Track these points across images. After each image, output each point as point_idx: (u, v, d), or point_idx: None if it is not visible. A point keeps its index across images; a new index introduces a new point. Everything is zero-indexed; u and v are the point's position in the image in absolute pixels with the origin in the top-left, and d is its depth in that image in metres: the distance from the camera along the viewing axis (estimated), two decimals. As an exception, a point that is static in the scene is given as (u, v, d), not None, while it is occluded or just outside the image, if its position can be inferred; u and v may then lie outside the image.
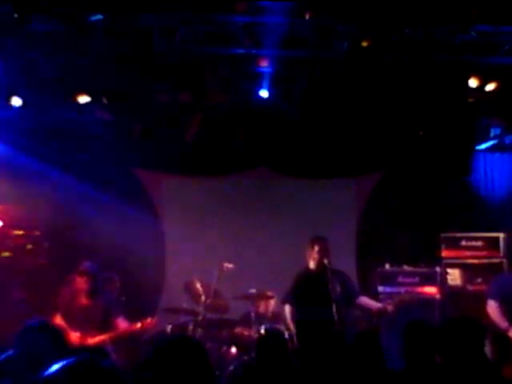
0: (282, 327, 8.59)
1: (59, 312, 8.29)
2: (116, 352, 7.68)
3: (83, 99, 8.44)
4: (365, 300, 8.67)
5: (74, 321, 8.08)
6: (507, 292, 8.17)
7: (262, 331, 8.15)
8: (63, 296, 8.45)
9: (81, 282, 8.26)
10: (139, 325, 8.26)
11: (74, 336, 7.90)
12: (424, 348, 5.65)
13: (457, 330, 4.79)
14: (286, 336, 8.54)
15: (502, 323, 7.92)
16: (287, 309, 8.65)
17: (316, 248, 8.58)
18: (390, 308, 8.31)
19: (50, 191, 10.08)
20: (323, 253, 8.53)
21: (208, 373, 3.63)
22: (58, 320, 8.19)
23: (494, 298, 8.14)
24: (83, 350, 5.07)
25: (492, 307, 8.10)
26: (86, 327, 8.09)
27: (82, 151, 10.18)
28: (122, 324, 8.34)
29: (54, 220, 10.24)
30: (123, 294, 9.64)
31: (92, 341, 7.92)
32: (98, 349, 5.63)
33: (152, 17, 7.39)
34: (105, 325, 8.18)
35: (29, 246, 10.25)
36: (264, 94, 9.39)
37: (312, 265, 8.63)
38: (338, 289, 8.43)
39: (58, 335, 4.54)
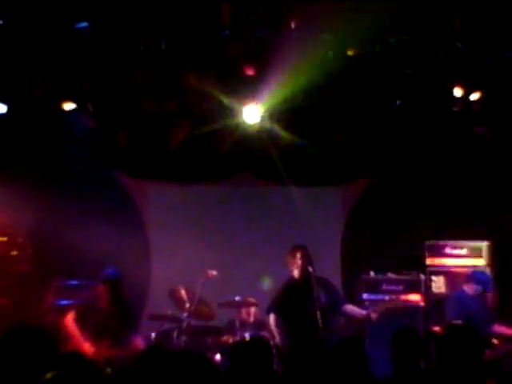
0: (267, 334, 8.63)
1: (73, 311, 8.23)
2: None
3: (68, 106, 8.42)
4: (349, 308, 8.69)
5: (87, 324, 8.02)
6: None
7: (247, 339, 8.18)
8: (84, 298, 8.46)
9: (103, 290, 8.24)
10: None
11: (87, 346, 7.80)
12: (412, 355, 5.68)
13: (456, 337, 4.80)
14: (271, 344, 8.58)
15: None
16: (272, 318, 8.65)
17: (298, 255, 8.59)
18: (373, 316, 8.34)
19: (33, 198, 10.03)
20: (305, 260, 8.54)
21: None
22: (70, 319, 8.13)
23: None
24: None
25: None
26: (99, 333, 8.02)
27: (67, 158, 10.13)
28: (140, 343, 8.24)
29: (37, 227, 10.20)
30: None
31: (107, 352, 7.75)
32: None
33: (138, 25, 7.39)
34: (120, 336, 8.10)
35: (13, 253, 10.21)
36: None
37: (296, 273, 8.62)
38: (323, 296, 8.44)
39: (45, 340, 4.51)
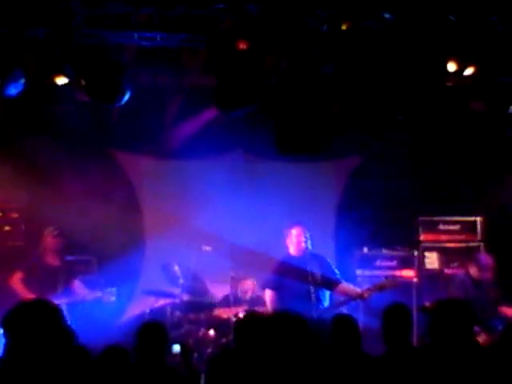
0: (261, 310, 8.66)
1: (20, 271, 8.40)
2: None
3: (61, 80, 8.35)
4: (344, 286, 8.72)
5: (35, 280, 8.14)
6: None
7: (241, 315, 8.20)
8: (30, 254, 8.60)
9: (55, 243, 8.57)
10: (98, 294, 8.48)
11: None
12: (403, 331, 5.70)
13: (448, 312, 4.80)
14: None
15: None
16: (267, 293, 8.69)
17: (294, 233, 8.66)
18: (366, 295, 8.39)
19: (27, 173, 10.00)
20: (302, 237, 8.61)
21: None
22: (17, 278, 8.32)
23: None
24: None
25: None
26: (47, 288, 8.16)
27: (60, 133, 10.08)
28: (81, 290, 8.72)
29: (30, 202, 10.18)
30: (101, 277, 9.65)
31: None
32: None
33: (131, 1, 7.33)
34: (66, 288, 8.50)
35: (6, 228, 10.20)
36: None
37: (292, 249, 8.69)
38: (318, 272, 8.48)
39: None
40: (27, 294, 8.32)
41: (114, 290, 8.87)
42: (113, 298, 8.83)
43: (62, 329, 4.48)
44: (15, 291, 8.55)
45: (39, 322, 4.19)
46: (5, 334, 4.18)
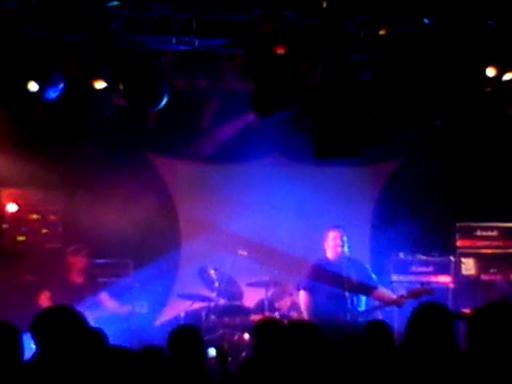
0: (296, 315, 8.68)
1: (47, 289, 8.49)
2: None
3: (99, 85, 8.42)
4: (379, 292, 8.70)
5: (63, 299, 8.22)
6: None
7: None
8: (56, 273, 8.68)
9: (79, 261, 8.70)
10: (127, 308, 8.55)
11: None
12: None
13: (487, 318, 4.74)
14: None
15: None
16: (301, 294, 8.71)
17: (331, 236, 8.68)
18: (401, 302, 8.37)
19: (65, 176, 10.10)
20: (338, 241, 8.62)
21: None
22: (45, 297, 8.40)
23: None
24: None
25: None
26: (75, 305, 8.23)
27: (98, 137, 10.15)
28: (109, 303, 8.87)
29: (68, 205, 10.27)
30: (137, 280, 9.70)
31: None
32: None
33: (169, 6, 7.36)
34: (94, 303, 8.58)
35: (44, 231, 10.29)
36: None
37: (329, 253, 8.72)
38: (354, 277, 8.48)
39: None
40: None
41: (145, 303, 8.93)
42: (145, 311, 8.90)
43: (90, 331, 4.53)
44: None
45: (66, 325, 4.24)
46: (33, 338, 4.24)
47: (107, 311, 8.74)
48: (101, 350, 4.91)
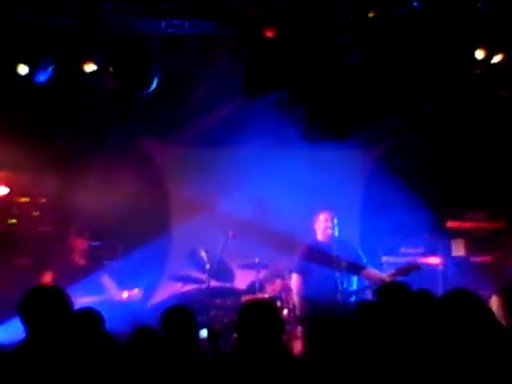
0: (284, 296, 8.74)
1: (50, 270, 8.51)
2: None
3: (89, 68, 8.41)
4: (369, 271, 8.75)
5: (65, 280, 8.24)
6: None
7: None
8: (59, 254, 8.71)
9: (81, 243, 8.67)
10: (125, 294, 8.57)
11: None
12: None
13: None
14: (290, 306, 8.73)
15: None
16: (294, 278, 8.76)
17: (322, 218, 8.73)
18: (387, 280, 8.39)
19: (56, 159, 10.10)
20: (329, 223, 8.67)
21: None
22: (48, 278, 8.42)
23: None
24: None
25: None
26: (78, 287, 8.27)
27: (88, 120, 10.15)
28: (110, 285, 8.88)
29: (59, 187, 10.27)
30: (127, 263, 9.71)
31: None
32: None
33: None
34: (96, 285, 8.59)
35: (34, 214, 10.29)
36: None
37: (319, 235, 8.76)
38: (344, 258, 8.53)
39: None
40: None
41: (140, 290, 9.00)
42: (138, 294, 8.97)
43: (77, 312, 4.57)
44: None
45: (51, 305, 4.28)
46: (20, 319, 4.27)
47: (108, 295, 8.76)
48: (93, 331, 4.94)
